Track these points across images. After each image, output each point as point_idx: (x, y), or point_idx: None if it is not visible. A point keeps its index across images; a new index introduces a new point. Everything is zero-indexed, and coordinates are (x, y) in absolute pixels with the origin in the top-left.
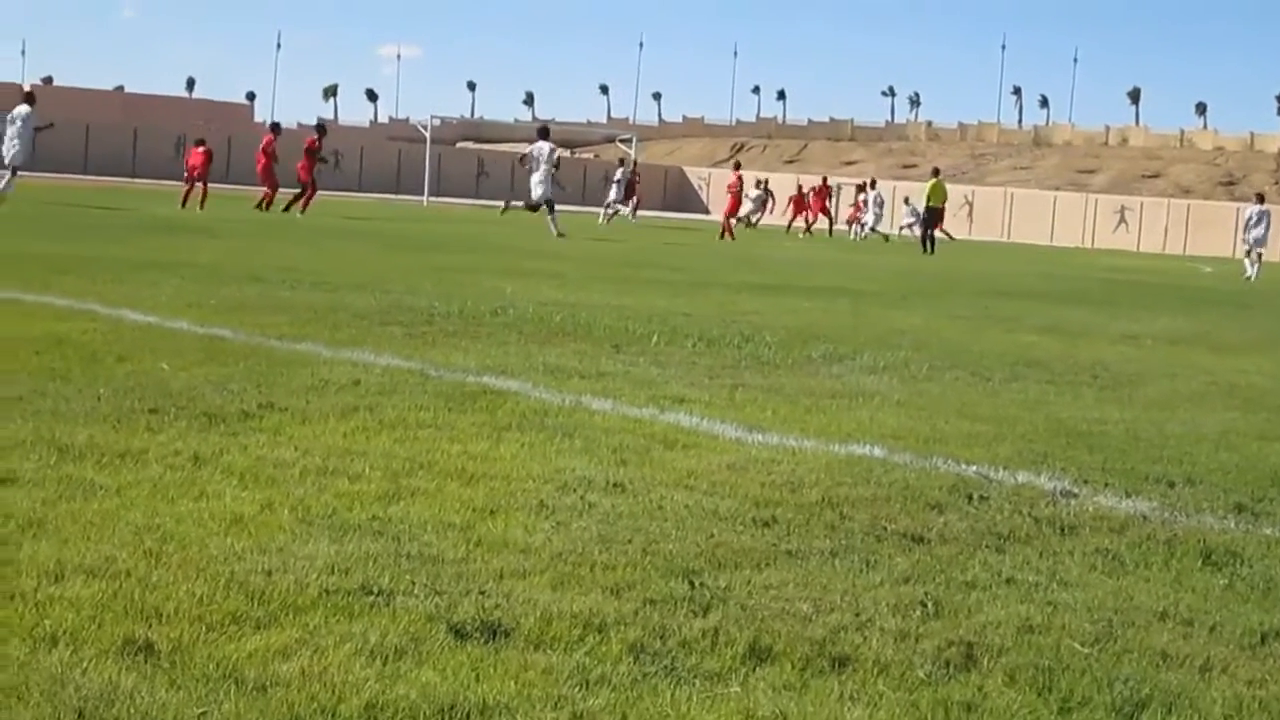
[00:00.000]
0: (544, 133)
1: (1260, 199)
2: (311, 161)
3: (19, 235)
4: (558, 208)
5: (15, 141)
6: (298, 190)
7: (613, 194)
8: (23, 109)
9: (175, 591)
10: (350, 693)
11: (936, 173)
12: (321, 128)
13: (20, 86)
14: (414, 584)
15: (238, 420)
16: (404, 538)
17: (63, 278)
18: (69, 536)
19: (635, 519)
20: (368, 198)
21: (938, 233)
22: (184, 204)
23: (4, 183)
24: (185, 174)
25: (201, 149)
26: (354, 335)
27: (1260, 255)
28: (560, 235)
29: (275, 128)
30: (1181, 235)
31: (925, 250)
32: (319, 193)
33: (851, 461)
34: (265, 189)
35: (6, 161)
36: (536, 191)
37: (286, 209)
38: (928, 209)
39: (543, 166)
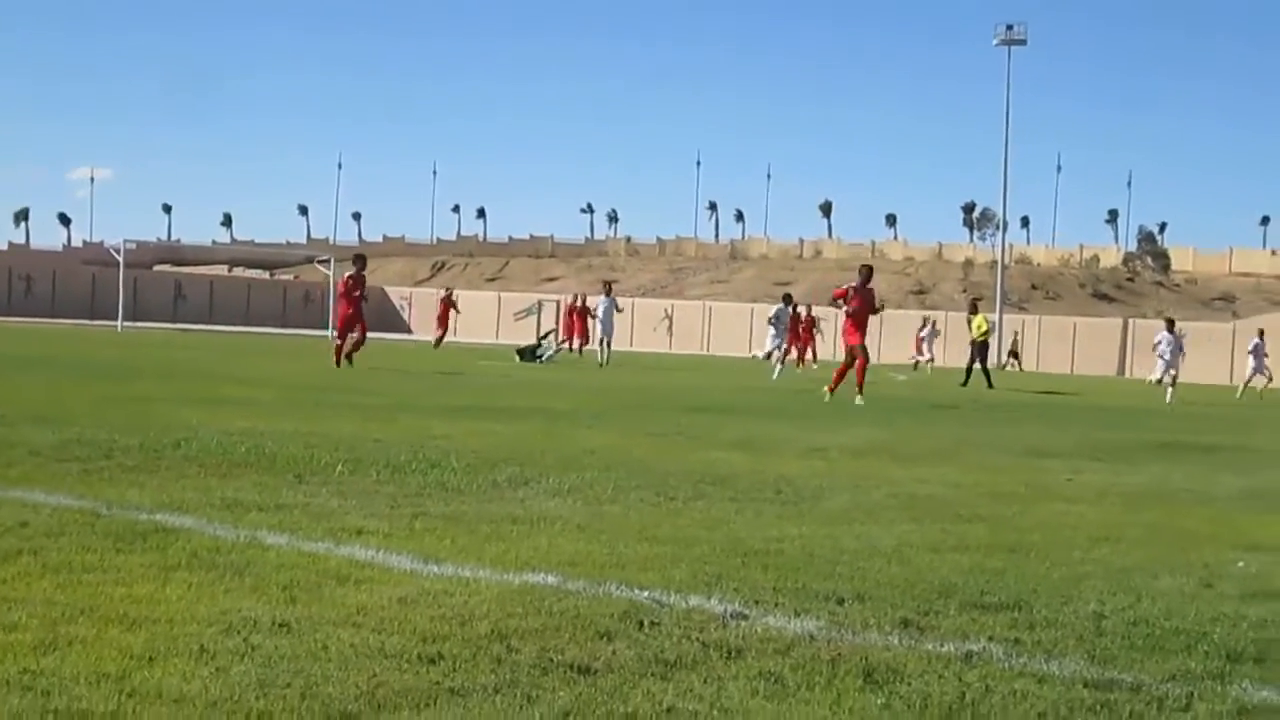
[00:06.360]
0: None
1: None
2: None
3: None
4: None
5: None
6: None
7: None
8: None
9: None
10: None
11: (975, 308)
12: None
13: None
14: None
15: None
16: (54, 692)
17: None
18: None
19: (298, 661)
20: (61, 323)
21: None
22: None
23: None
24: None
25: None
26: (25, 473)
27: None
28: None
29: None
30: (875, 343)
31: (988, 384)
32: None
33: (525, 591)
34: None
35: None
36: None
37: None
38: (974, 342)
39: None
